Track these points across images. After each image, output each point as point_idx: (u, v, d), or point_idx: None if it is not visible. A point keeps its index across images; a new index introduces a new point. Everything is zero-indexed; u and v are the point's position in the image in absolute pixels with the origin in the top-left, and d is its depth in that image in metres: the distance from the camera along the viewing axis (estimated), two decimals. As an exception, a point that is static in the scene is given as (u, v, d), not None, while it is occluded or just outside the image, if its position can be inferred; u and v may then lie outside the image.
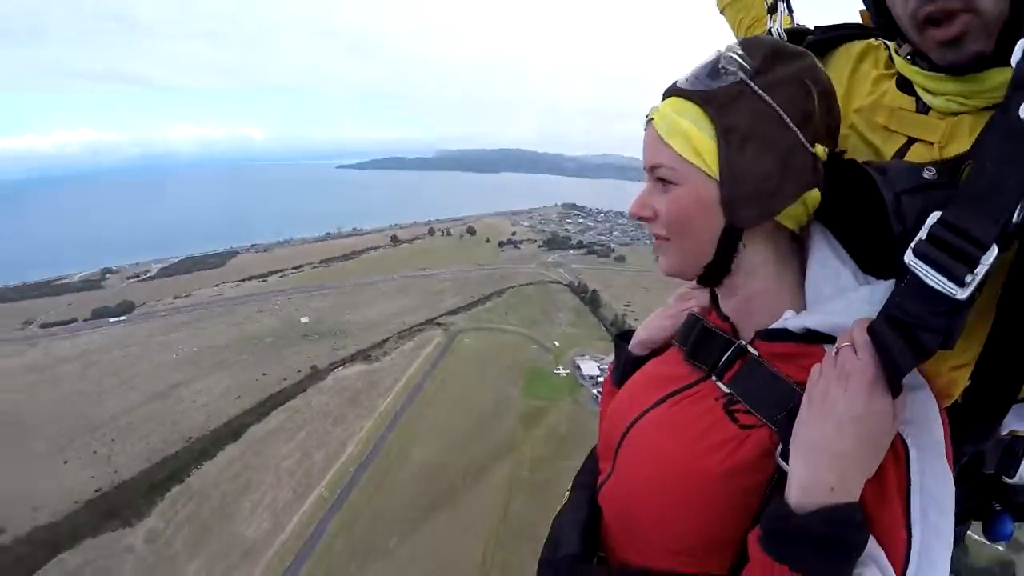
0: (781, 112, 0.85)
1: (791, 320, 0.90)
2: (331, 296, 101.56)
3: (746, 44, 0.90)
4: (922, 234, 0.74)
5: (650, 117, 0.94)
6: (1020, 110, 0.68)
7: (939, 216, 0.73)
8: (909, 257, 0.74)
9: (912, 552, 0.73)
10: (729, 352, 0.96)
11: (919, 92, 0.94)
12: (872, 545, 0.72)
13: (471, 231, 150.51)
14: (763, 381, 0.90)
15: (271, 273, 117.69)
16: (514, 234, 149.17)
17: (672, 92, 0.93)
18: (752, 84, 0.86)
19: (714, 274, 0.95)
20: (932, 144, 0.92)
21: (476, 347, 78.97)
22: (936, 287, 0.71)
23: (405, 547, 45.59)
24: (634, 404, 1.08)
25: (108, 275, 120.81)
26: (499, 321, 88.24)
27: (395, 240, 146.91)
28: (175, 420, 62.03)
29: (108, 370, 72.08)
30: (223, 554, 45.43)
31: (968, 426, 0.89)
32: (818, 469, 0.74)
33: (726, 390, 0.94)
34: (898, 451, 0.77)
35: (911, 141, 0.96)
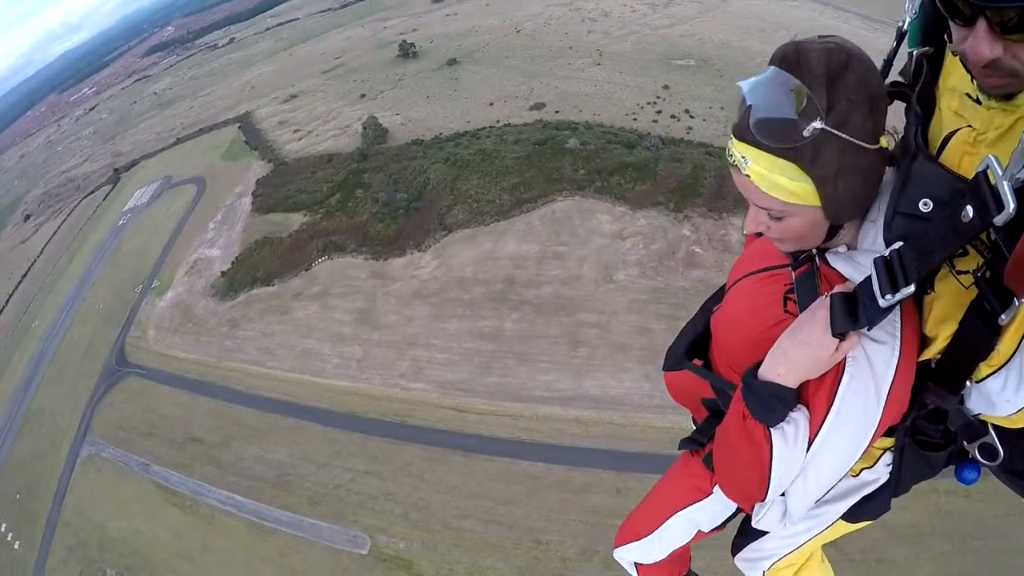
0: (857, 142, 1.02)
1: (830, 254, 1.24)
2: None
3: (804, 73, 0.98)
4: (887, 251, 1.01)
5: (746, 173, 1.10)
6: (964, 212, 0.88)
7: (900, 246, 0.99)
8: (876, 261, 1.02)
9: (824, 424, 1.16)
10: (803, 255, 1.30)
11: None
12: (802, 411, 1.18)
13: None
14: (808, 287, 1.23)
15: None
16: None
17: (758, 145, 1.05)
18: (832, 131, 0.99)
19: None
20: (974, 129, 1.04)
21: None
22: (874, 289, 1.01)
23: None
24: (746, 265, 1.55)
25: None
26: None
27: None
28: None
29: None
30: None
31: (933, 384, 1.19)
32: (775, 360, 1.17)
33: (792, 281, 1.30)
34: (839, 369, 1.13)
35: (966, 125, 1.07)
